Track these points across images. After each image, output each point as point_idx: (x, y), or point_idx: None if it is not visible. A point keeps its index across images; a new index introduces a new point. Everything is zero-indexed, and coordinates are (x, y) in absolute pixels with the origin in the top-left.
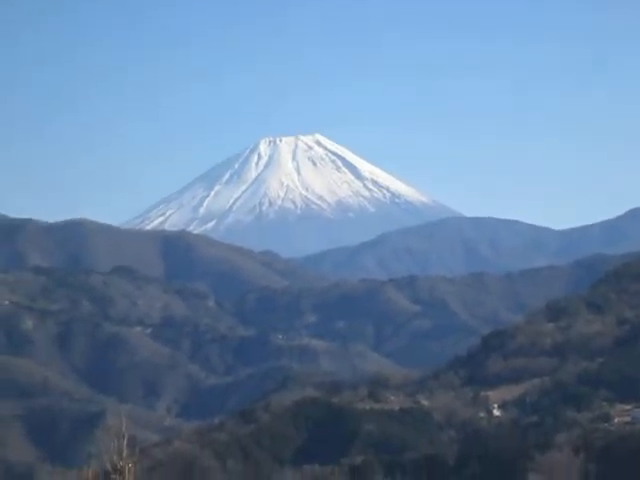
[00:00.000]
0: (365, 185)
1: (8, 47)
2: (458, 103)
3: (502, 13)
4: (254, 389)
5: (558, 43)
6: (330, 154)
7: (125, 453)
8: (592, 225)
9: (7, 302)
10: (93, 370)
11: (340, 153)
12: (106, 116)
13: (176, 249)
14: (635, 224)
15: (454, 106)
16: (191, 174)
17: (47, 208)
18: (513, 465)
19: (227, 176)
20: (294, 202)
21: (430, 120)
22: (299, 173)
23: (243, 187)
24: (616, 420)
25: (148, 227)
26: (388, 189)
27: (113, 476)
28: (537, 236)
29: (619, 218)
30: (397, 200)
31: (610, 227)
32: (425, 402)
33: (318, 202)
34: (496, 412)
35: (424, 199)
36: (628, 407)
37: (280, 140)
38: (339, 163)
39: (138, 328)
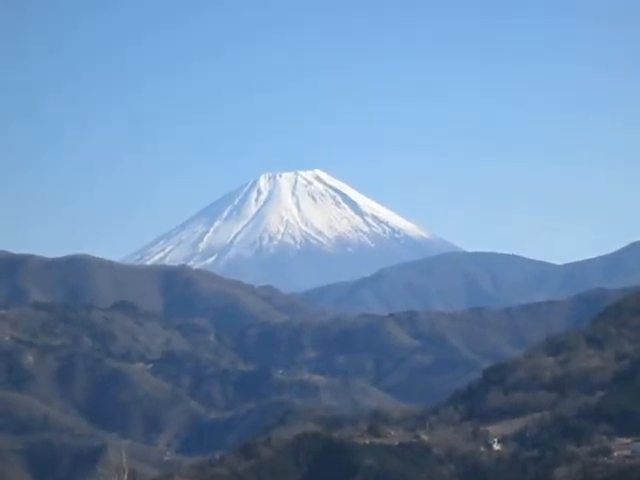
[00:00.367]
0: (365, 220)
1: (12, 78)
2: (459, 138)
3: (506, 36)
4: (255, 424)
5: (561, 72)
6: (330, 189)
7: None
8: (593, 259)
9: (8, 337)
10: (94, 406)
11: (340, 188)
12: (106, 152)
13: (176, 284)
14: (636, 258)
15: (455, 142)
16: (191, 209)
17: (48, 244)
18: None
19: (227, 211)
20: (294, 237)
21: (430, 155)
22: (299, 208)
23: (243, 222)
24: (616, 454)
25: (148, 262)
26: (388, 224)
27: None
28: (538, 271)
29: (620, 252)
30: (397, 235)
31: (611, 261)
32: (425, 437)
33: (318, 237)
34: (496, 446)
35: (424, 234)
36: (628, 441)
37: (280, 175)
38: (339, 198)
39: (139, 364)
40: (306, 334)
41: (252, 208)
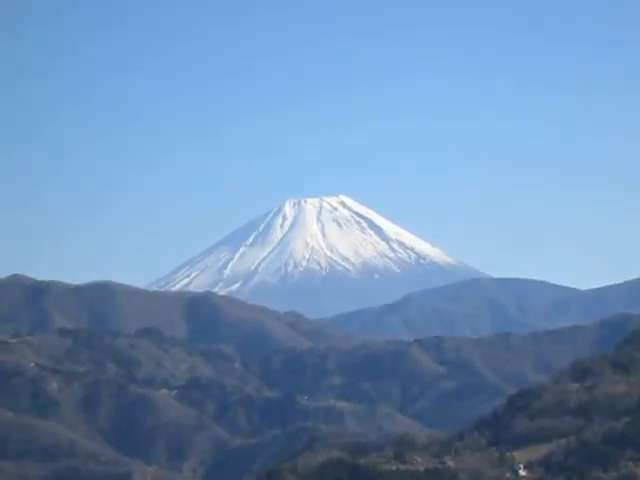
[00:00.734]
0: (390, 246)
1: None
2: (484, 164)
3: (529, 55)
4: (280, 450)
5: (589, 91)
6: (355, 215)
7: None
8: (617, 285)
9: (32, 364)
10: (119, 432)
11: (365, 214)
12: (130, 179)
13: (201, 310)
14: None
15: (481, 167)
16: (216, 236)
17: (72, 270)
18: None
19: (252, 238)
20: (319, 263)
21: (456, 181)
22: (324, 234)
23: (268, 249)
24: None
25: (173, 289)
26: (413, 250)
27: None
28: (562, 296)
29: None
30: (422, 261)
31: (635, 286)
32: (451, 463)
33: (343, 263)
34: (522, 472)
35: (450, 260)
36: None
37: (305, 201)
38: (364, 224)
39: (164, 390)
40: (331, 360)
41: (277, 234)
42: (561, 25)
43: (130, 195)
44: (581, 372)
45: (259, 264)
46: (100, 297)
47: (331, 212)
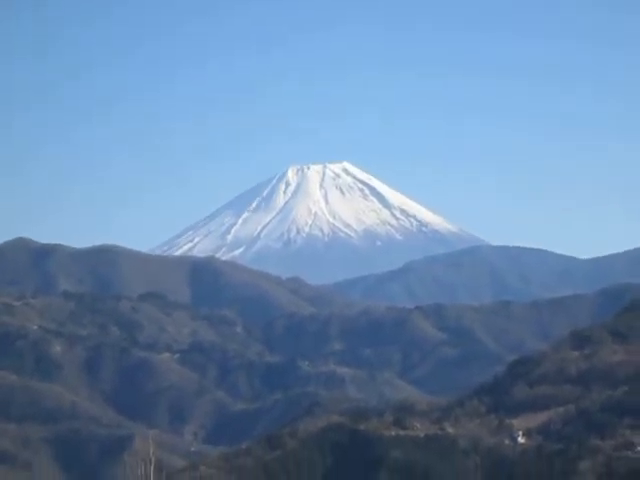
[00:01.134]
0: (392, 213)
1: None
2: (485, 134)
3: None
4: (281, 415)
5: (593, 82)
6: (358, 182)
7: (152, 477)
8: (618, 254)
9: (36, 327)
10: (121, 395)
11: (367, 181)
12: (133, 144)
13: (204, 275)
14: None
15: (481, 137)
16: (219, 201)
17: (76, 234)
18: None
19: (255, 203)
20: (322, 230)
21: (457, 150)
22: (327, 201)
23: (271, 214)
24: (639, 448)
25: (177, 253)
26: (415, 217)
27: None
28: (564, 265)
29: None
30: (424, 229)
31: (636, 256)
32: (450, 429)
33: (346, 230)
34: (521, 439)
35: (451, 228)
36: None
37: (308, 168)
38: (366, 191)
39: (166, 354)
40: (333, 326)
41: (280, 200)
42: None
43: (134, 160)
44: (580, 340)
45: (262, 230)
46: (104, 261)
47: (334, 179)
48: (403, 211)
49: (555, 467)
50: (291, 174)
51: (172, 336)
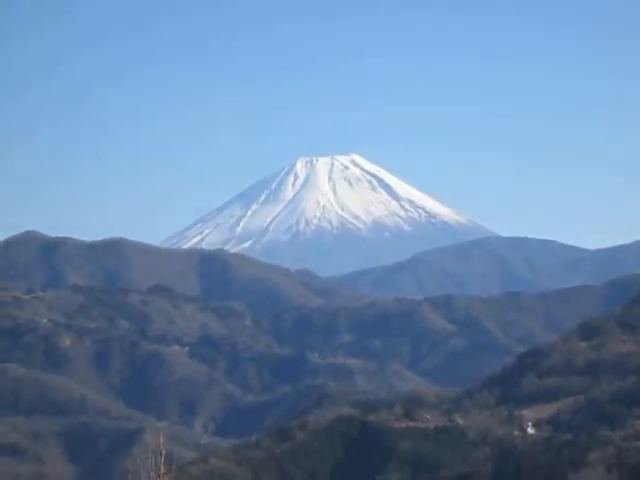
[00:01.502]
0: (401, 205)
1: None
2: (494, 126)
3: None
4: (290, 407)
5: (603, 75)
6: (366, 174)
7: (162, 470)
8: (627, 245)
9: (45, 320)
10: (130, 388)
11: (376, 173)
12: (143, 137)
13: (213, 268)
14: None
15: (490, 128)
16: (228, 194)
17: (85, 227)
18: None
19: (264, 196)
20: (330, 222)
21: (466, 141)
22: (335, 193)
23: (280, 207)
24: None
25: (185, 246)
26: (424, 209)
27: None
28: (572, 256)
29: None
30: (433, 220)
31: None
32: (460, 420)
33: (354, 222)
34: (530, 430)
35: (460, 219)
36: None
37: (317, 160)
38: (375, 183)
39: (176, 347)
40: (342, 318)
41: (289, 192)
42: None
43: (144, 155)
44: (589, 331)
45: (271, 222)
46: (113, 254)
47: (342, 171)
48: (411, 202)
49: (564, 458)
50: (300, 166)
51: (181, 329)
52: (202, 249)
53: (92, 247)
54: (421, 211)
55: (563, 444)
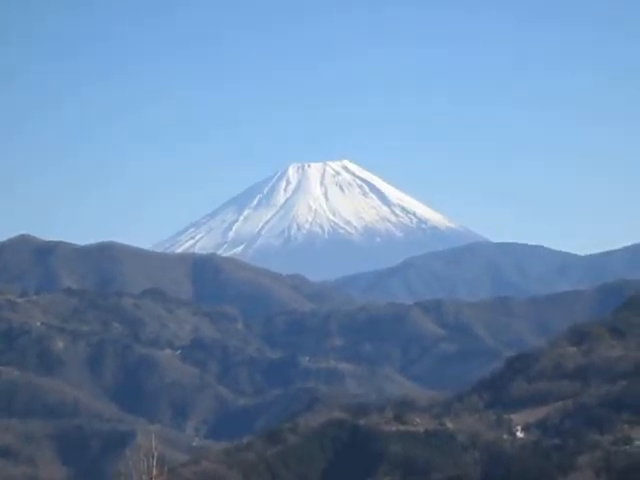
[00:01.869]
0: (392, 210)
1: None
2: (485, 131)
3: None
4: (281, 410)
5: (596, 73)
6: (357, 180)
7: (154, 472)
8: (616, 250)
9: (39, 323)
10: (123, 391)
11: (367, 179)
12: (136, 140)
13: (206, 272)
14: None
15: (482, 134)
16: (221, 198)
17: (78, 231)
18: None
19: (256, 201)
20: (322, 227)
21: (457, 147)
22: (327, 198)
23: (272, 211)
24: (638, 442)
25: (178, 250)
26: (415, 214)
27: None
28: (562, 261)
29: None
30: (424, 225)
31: (634, 252)
32: (450, 424)
33: (345, 227)
34: (519, 434)
35: (451, 224)
36: None
37: (308, 166)
38: (366, 189)
39: (168, 350)
40: (333, 322)
41: (281, 198)
42: None
43: (136, 157)
44: (579, 336)
45: (263, 227)
46: (106, 258)
47: (334, 176)
48: (402, 208)
49: (553, 461)
50: (292, 172)
51: (174, 332)
52: (195, 253)
53: (86, 251)
54: (412, 216)
55: (552, 448)
